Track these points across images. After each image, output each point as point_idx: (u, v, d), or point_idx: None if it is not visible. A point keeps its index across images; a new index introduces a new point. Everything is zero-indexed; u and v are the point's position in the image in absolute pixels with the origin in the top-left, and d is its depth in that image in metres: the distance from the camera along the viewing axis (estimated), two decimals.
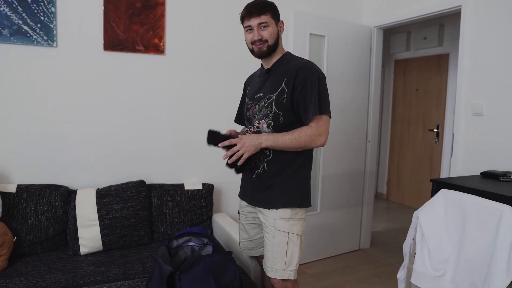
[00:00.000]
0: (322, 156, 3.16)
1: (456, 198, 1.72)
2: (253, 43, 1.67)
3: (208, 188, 2.71)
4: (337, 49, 3.14)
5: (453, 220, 1.71)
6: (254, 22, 1.63)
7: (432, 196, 1.96)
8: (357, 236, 3.52)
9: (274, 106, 1.64)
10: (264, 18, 1.62)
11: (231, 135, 1.74)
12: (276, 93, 1.63)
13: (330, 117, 1.65)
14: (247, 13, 1.64)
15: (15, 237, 2.15)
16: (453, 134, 2.64)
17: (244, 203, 1.87)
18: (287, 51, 1.77)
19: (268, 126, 1.66)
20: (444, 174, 4.59)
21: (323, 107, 1.60)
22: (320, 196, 3.18)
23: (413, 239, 1.91)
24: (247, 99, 1.83)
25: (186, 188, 2.66)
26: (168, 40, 2.65)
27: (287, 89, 1.61)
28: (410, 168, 5.13)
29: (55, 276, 1.97)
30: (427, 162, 4.87)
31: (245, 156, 1.59)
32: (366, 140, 3.46)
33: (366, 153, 3.47)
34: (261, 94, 1.71)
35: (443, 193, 1.79)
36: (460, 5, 2.59)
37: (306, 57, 2.94)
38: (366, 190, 3.51)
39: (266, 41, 1.65)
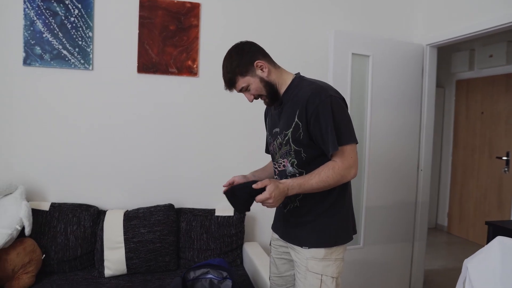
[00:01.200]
0: (366, 186, 2.90)
1: None
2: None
3: (240, 215, 2.58)
4: (383, 70, 2.91)
5: None
6: (236, 91, 1.51)
7: (487, 242, 1.65)
8: (407, 275, 3.15)
9: (292, 144, 1.47)
10: (238, 86, 1.47)
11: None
12: (291, 129, 1.46)
13: (357, 143, 1.45)
14: (226, 87, 1.52)
15: (44, 255, 2.18)
16: None
17: (276, 236, 1.71)
18: (296, 74, 1.56)
19: (292, 165, 1.50)
20: None
21: (343, 138, 1.40)
22: (364, 229, 2.90)
23: None
24: (267, 133, 1.68)
25: (216, 214, 2.55)
26: (201, 62, 2.63)
27: (301, 123, 1.43)
28: (475, 199, 4.59)
29: None
30: (494, 193, 4.32)
31: (270, 208, 1.42)
32: (417, 168, 3.13)
33: (418, 183, 3.13)
34: (277, 130, 1.54)
35: (499, 240, 1.48)
36: None
37: (348, 79, 2.78)
38: (418, 223, 3.15)
39: (260, 95, 1.51)
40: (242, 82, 1.46)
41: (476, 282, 1.51)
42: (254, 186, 1.35)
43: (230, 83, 1.48)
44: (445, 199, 5.03)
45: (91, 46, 2.44)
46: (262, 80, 1.47)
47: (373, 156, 2.90)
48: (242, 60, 1.45)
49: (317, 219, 1.49)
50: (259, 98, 1.54)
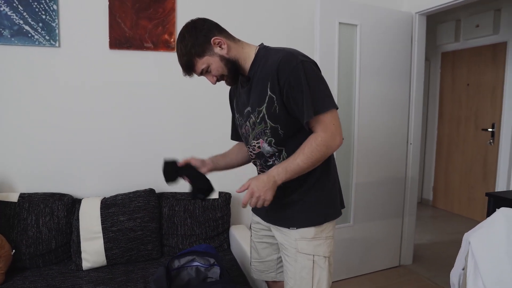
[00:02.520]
0: (355, 161, 2.80)
1: None
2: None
3: (225, 198, 2.45)
4: (371, 40, 2.77)
5: None
6: (197, 75, 1.36)
7: (488, 214, 1.57)
8: (397, 251, 3.11)
9: (268, 121, 1.32)
10: (199, 68, 1.32)
11: (190, 165, 1.52)
12: (265, 105, 1.31)
13: (337, 108, 1.30)
14: (184, 73, 1.35)
15: (14, 250, 2.01)
16: None
17: (257, 218, 1.59)
18: (260, 45, 1.40)
19: (269, 144, 1.36)
20: (501, 181, 4.03)
21: (320, 104, 1.26)
22: (353, 207, 2.82)
23: (463, 269, 1.54)
24: (236, 115, 1.51)
25: None
26: None
27: (274, 95, 1.28)
28: (460, 172, 4.59)
29: None
30: (480, 166, 4.32)
31: (266, 204, 1.28)
32: (407, 142, 3.04)
33: (408, 157, 3.06)
34: (249, 108, 1.38)
35: (503, 212, 1.41)
36: None
37: (336, 50, 2.63)
38: (407, 198, 3.09)
39: (222, 75, 1.36)
40: (200, 63, 1.31)
41: (480, 257, 1.43)
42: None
43: (188, 67, 1.32)
44: (430, 173, 5.02)
45: (56, 20, 2.21)
46: (222, 58, 1.31)
47: (362, 130, 2.79)
48: (197, 39, 1.28)
49: (304, 197, 1.38)
50: (222, 80, 1.38)
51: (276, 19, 2.65)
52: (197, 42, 1.28)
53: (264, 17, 2.61)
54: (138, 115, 2.42)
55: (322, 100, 1.27)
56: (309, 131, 1.31)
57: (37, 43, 2.19)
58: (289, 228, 1.39)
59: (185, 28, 1.32)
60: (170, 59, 2.43)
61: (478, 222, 4.23)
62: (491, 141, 4.15)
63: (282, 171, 1.27)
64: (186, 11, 2.43)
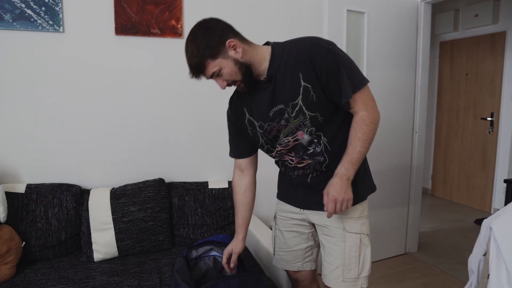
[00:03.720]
0: None
1: None
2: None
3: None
4: (378, 28, 2.75)
5: None
6: (206, 77, 1.28)
7: (507, 201, 1.57)
8: (403, 239, 3.14)
9: (306, 112, 1.29)
10: (210, 71, 1.24)
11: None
12: (301, 96, 1.27)
13: (368, 81, 1.31)
14: (193, 75, 1.27)
15: (24, 242, 1.96)
16: None
17: (288, 206, 1.56)
18: (272, 44, 1.34)
19: (310, 134, 1.33)
20: (501, 168, 4.09)
21: (356, 82, 1.26)
22: None
23: (483, 255, 1.54)
24: (256, 123, 1.41)
25: (210, 186, 2.39)
26: (186, 22, 2.36)
27: (310, 84, 1.26)
28: (459, 161, 4.63)
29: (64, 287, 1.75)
30: (479, 155, 4.37)
31: (350, 203, 1.29)
32: (412, 131, 3.05)
33: (413, 146, 3.07)
34: (281, 106, 1.31)
35: None
36: None
37: (344, 38, 2.62)
38: (413, 187, 3.11)
39: (234, 81, 1.29)
40: (212, 66, 1.23)
41: (502, 242, 1.43)
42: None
43: (197, 69, 1.24)
44: (429, 162, 5.06)
45: (60, 4, 2.13)
46: (236, 62, 1.24)
47: None
48: (211, 40, 1.21)
49: None
50: (232, 85, 1.32)
51: (283, 6, 2.60)
52: (211, 43, 1.21)
53: (272, 8, 2.56)
54: (146, 102, 2.37)
55: (357, 77, 1.27)
56: (345, 110, 1.32)
57: (40, 28, 2.11)
58: None
59: (198, 27, 1.24)
60: (177, 46, 2.37)
61: (477, 211, 4.27)
62: (491, 130, 4.19)
63: (349, 165, 1.29)
64: None
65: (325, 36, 2.54)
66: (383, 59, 2.80)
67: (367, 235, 1.44)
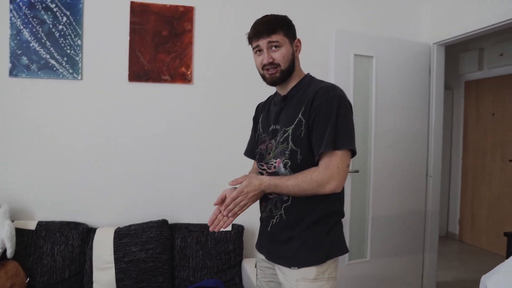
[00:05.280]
0: (371, 194, 2.73)
1: None
2: (263, 67, 1.39)
3: (238, 230, 2.43)
4: (387, 71, 2.76)
5: None
6: (263, 42, 1.35)
7: (507, 255, 1.48)
8: None
9: (290, 142, 1.33)
10: (275, 37, 1.33)
11: None
12: (293, 126, 1.33)
13: (355, 153, 1.29)
14: (255, 33, 1.36)
15: (28, 278, 2.05)
16: None
17: (262, 256, 1.55)
18: (308, 73, 1.47)
19: (284, 166, 1.35)
20: None
21: (340, 140, 1.25)
22: (370, 241, 2.73)
23: None
24: (260, 130, 1.53)
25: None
26: (196, 69, 2.49)
27: (304, 120, 1.31)
28: (487, 206, 4.39)
29: None
30: (508, 199, 4.12)
31: (245, 208, 1.31)
32: (426, 174, 2.96)
33: (427, 190, 2.96)
34: (277, 127, 1.41)
35: None
36: None
37: (351, 82, 2.62)
38: (428, 233, 2.97)
39: (278, 65, 1.36)
40: (280, 37, 1.35)
41: None
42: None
43: (270, 27, 1.34)
44: (456, 206, 4.83)
45: (80, 54, 2.32)
46: (292, 54, 1.39)
47: (378, 162, 2.74)
48: (293, 27, 1.41)
49: (307, 232, 1.33)
50: (270, 70, 1.37)
51: None
52: (292, 28, 1.41)
53: None
54: (154, 145, 2.47)
55: (343, 137, 1.26)
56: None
57: (61, 76, 2.30)
58: (290, 267, 1.34)
59: (286, 16, 1.43)
60: (186, 91, 2.49)
61: None
62: None
63: (272, 185, 1.31)
64: (203, 45, 2.50)
65: (332, 79, 2.57)
66: (393, 103, 2.78)
67: None
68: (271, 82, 1.41)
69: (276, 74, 1.37)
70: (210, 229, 1.34)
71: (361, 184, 2.72)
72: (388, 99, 2.77)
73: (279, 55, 1.35)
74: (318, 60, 2.71)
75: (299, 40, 1.42)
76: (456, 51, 4.61)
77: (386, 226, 2.79)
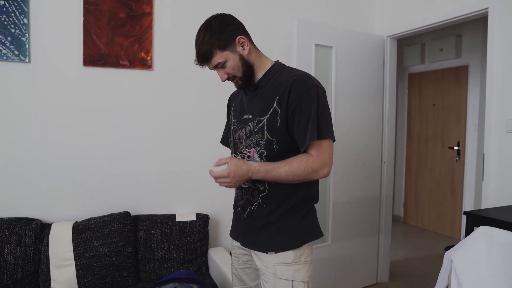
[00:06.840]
0: (332, 181, 2.82)
1: (502, 238, 1.37)
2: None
3: (203, 220, 2.39)
4: (346, 62, 2.85)
5: (500, 267, 1.36)
6: (209, 67, 1.35)
7: (467, 233, 1.61)
8: (374, 268, 3.13)
9: (266, 132, 1.32)
10: (215, 61, 1.31)
11: None
12: (268, 116, 1.32)
13: (334, 140, 1.33)
14: (198, 61, 1.33)
15: None
16: (483, 154, 2.29)
17: (237, 243, 1.54)
18: (276, 61, 1.44)
19: (260, 156, 1.34)
20: (468, 196, 4.19)
21: (324, 131, 1.29)
22: (331, 226, 2.82)
23: (446, 287, 1.55)
24: (232, 119, 1.51)
25: (177, 219, 2.34)
26: (156, 54, 2.39)
27: (280, 109, 1.30)
28: (429, 189, 4.74)
29: None
30: (447, 182, 4.48)
31: (229, 188, 1.32)
32: (381, 161, 3.11)
33: (382, 176, 3.13)
34: (249, 116, 1.39)
35: (483, 231, 1.45)
36: (487, 8, 2.29)
37: (312, 71, 2.67)
38: (382, 216, 3.14)
39: (234, 76, 1.36)
40: (219, 57, 1.30)
41: (463, 275, 1.46)
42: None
43: (205, 57, 1.31)
44: (401, 190, 5.16)
45: (27, 35, 2.11)
46: (241, 58, 1.33)
47: (338, 150, 2.82)
48: (224, 32, 1.30)
49: (283, 218, 1.36)
50: (232, 80, 1.38)
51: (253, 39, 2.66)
52: (223, 35, 1.29)
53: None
54: (112, 133, 2.33)
55: (326, 127, 1.30)
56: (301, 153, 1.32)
57: (5, 58, 2.08)
58: (267, 253, 1.35)
59: (214, 18, 1.33)
60: (146, 78, 2.38)
61: (448, 238, 4.34)
62: (457, 158, 4.32)
63: (263, 171, 1.30)
64: (163, 29, 2.40)
65: None
66: (351, 92, 2.88)
67: (304, 282, 1.35)
68: (239, 88, 1.44)
69: (239, 82, 1.39)
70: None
71: None
72: (346, 88, 2.86)
73: (230, 69, 1.34)
74: (281, 50, 2.72)
75: (241, 37, 1.33)
76: (401, 46, 4.88)
77: (346, 211, 2.90)
